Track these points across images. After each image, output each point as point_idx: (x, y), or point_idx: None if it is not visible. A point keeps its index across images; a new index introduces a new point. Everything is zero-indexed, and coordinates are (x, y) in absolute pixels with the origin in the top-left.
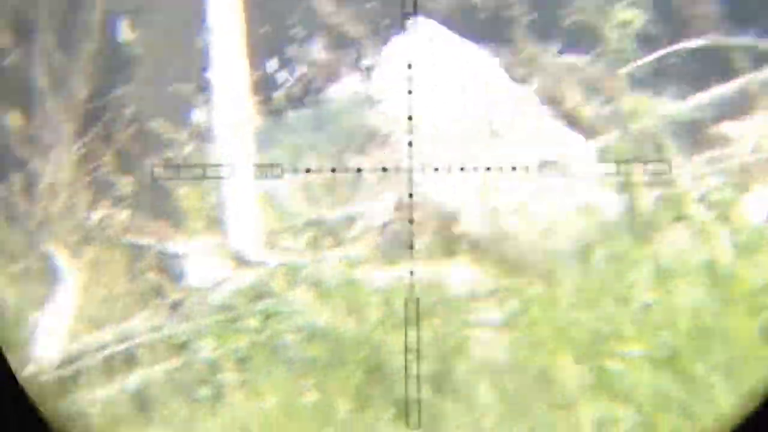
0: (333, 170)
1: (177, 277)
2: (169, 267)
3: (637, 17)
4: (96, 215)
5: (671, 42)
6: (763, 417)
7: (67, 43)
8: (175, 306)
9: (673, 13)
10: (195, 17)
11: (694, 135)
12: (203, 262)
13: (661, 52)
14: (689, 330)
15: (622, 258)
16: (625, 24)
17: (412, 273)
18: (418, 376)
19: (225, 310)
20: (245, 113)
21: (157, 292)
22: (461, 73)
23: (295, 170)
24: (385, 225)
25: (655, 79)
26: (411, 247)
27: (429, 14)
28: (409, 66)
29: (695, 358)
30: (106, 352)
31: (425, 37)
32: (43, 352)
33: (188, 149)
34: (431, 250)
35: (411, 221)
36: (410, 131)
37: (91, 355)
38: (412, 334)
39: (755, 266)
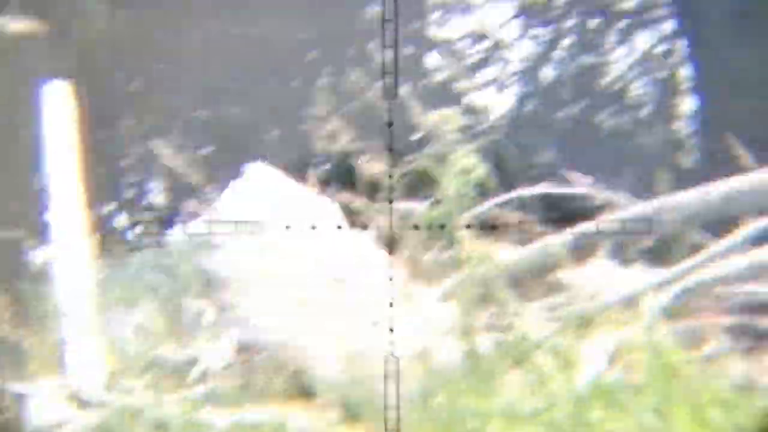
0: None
1: (21, 417)
2: (13, 407)
3: (479, 166)
4: None
5: (508, 190)
6: None
7: None
8: None
9: (509, 162)
10: (32, 161)
11: (533, 281)
12: (46, 403)
13: (499, 199)
14: None
15: (462, 404)
16: (467, 171)
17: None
18: None
19: None
20: (84, 255)
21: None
22: (299, 216)
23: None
24: (227, 367)
25: (492, 227)
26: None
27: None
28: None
29: None
30: None
31: (263, 183)
32: None
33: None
34: (273, 391)
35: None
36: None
37: None
38: None
39: (594, 415)
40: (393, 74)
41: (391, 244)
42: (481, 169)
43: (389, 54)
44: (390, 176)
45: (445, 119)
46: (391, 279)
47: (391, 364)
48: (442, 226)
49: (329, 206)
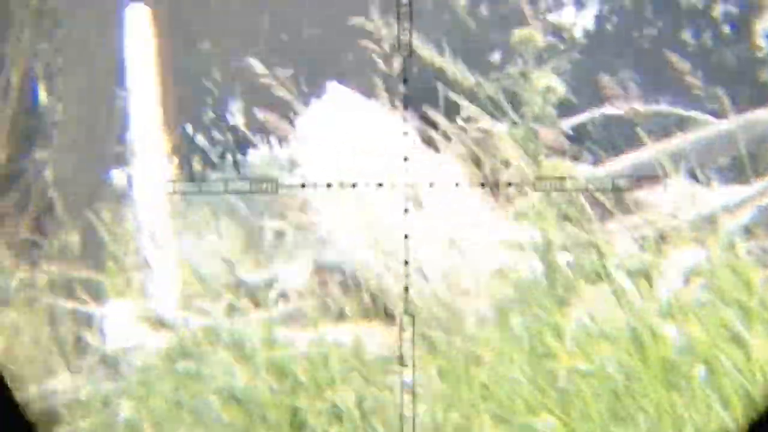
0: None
1: (97, 338)
2: (89, 329)
3: (559, 86)
4: (15, 277)
5: (588, 109)
6: None
7: None
8: (95, 366)
9: (590, 81)
10: (113, 81)
11: (610, 200)
12: (123, 324)
13: (580, 118)
14: (610, 394)
15: (540, 321)
16: (548, 90)
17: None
18: None
19: (145, 371)
20: (164, 176)
21: (78, 352)
22: (379, 137)
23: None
24: (305, 288)
25: (573, 145)
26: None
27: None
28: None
29: (617, 423)
30: (28, 411)
31: (342, 102)
32: None
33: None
34: (351, 312)
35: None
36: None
37: None
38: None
39: (674, 331)
40: None
41: (472, 162)
42: (562, 88)
43: None
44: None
45: (526, 38)
46: (470, 199)
47: (470, 280)
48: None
49: (407, 127)
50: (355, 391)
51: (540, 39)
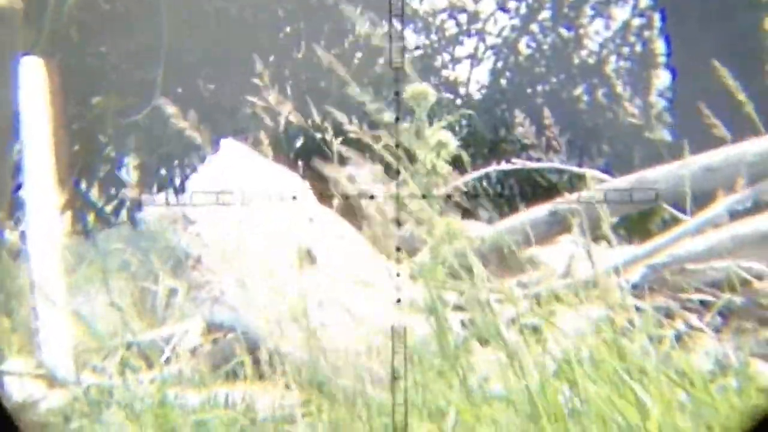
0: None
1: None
2: None
3: (451, 141)
4: None
5: (482, 165)
6: None
7: None
8: None
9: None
10: (8, 135)
11: (504, 258)
12: (18, 381)
13: (473, 174)
14: None
15: (431, 381)
16: (441, 146)
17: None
18: None
19: (41, 428)
20: (56, 232)
21: None
22: (272, 193)
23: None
24: (195, 348)
25: (467, 202)
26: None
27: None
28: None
29: None
30: None
31: (237, 158)
32: None
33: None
34: (244, 372)
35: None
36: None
37: None
38: None
39: (565, 391)
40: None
41: (361, 218)
42: (454, 144)
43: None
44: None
45: (420, 94)
46: (362, 255)
47: (362, 340)
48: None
49: (299, 182)
50: None
51: (432, 94)
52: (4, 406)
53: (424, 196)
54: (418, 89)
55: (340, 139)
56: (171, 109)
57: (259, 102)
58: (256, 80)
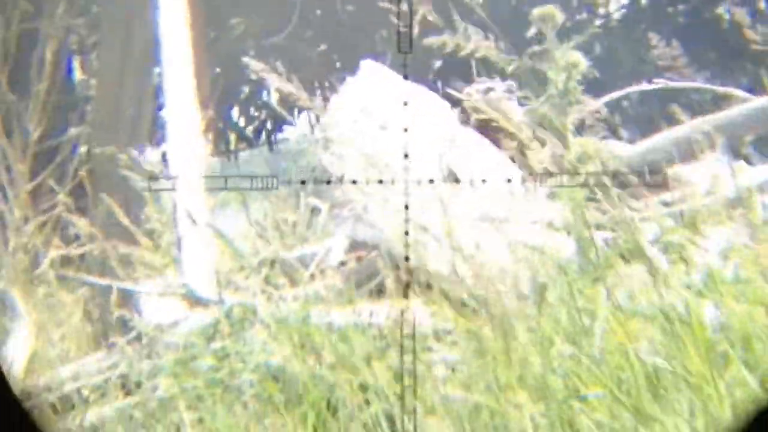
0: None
1: (132, 316)
2: (124, 306)
3: (582, 61)
4: (49, 255)
5: (620, 86)
6: None
7: (19, 82)
8: (130, 345)
9: (622, 56)
10: (147, 57)
11: (646, 177)
12: (159, 302)
13: (612, 95)
14: (647, 373)
15: (576, 300)
16: (571, 66)
17: (371, 313)
18: (375, 414)
19: (181, 349)
20: (199, 153)
21: (112, 331)
22: (413, 113)
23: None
24: (340, 265)
25: (605, 123)
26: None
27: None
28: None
29: (654, 401)
30: (62, 391)
31: (377, 80)
32: None
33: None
34: (389, 290)
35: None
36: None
37: (46, 394)
38: (369, 374)
39: (712, 309)
40: None
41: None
42: (584, 64)
43: None
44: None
45: (547, 14)
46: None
47: (510, 257)
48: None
49: (439, 102)
50: (393, 368)
51: (559, 15)
52: (11, 390)
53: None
54: (545, 10)
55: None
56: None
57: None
58: None
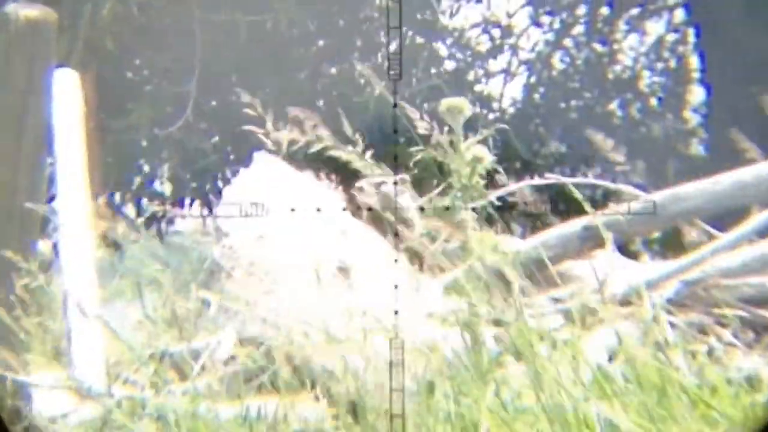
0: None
1: (24, 407)
2: (18, 396)
3: (487, 156)
4: None
5: (516, 180)
6: None
7: None
8: None
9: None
10: (41, 147)
11: (537, 273)
12: (49, 393)
13: (507, 189)
14: None
15: (465, 396)
16: (476, 161)
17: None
18: None
19: None
20: (89, 244)
21: (5, 422)
22: (305, 205)
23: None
24: (228, 361)
25: (500, 216)
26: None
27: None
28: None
29: None
30: None
31: (269, 172)
32: None
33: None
34: (276, 384)
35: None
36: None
37: None
38: None
39: (597, 407)
40: (398, 56)
41: (396, 231)
42: (489, 159)
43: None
44: (396, 160)
45: (455, 107)
46: (396, 261)
47: (397, 349)
48: (447, 209)
49: (332, 193)
50: None
51: (468, 108)
52: None
53: (447, 209)
54: (454, 102)
55: (370, 152)
56: (246, 97)
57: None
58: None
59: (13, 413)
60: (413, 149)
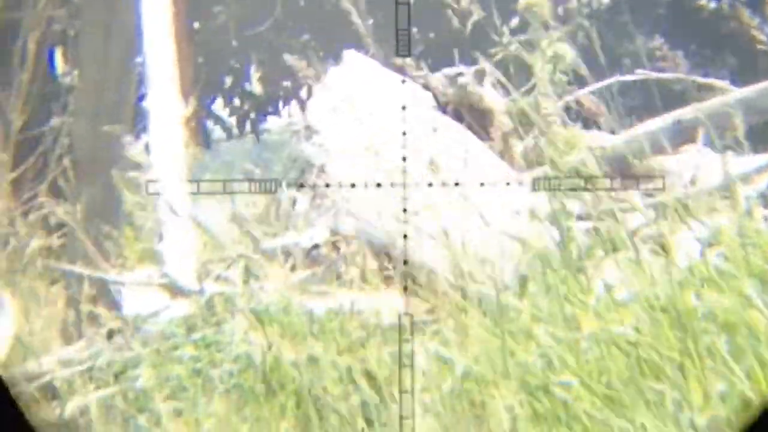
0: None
1: (114, 305)
2: (105, 296)
3: (568, 52)
4: (32, 244)
5: (603, 76)
6: None
7: (1, 73)
8: (111, 334)
9: (604, 47)
10: (130, 47)
11: (628, 168)
12: (140, 291)
13: (595, 85)
14: (627, 363)
15: (557, 289)
16: (556, 58)
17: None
18: (362, 404)
19: (162, 339)
20: (181, 143)
21: (94, 320)
22: (396, 102)
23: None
24: (318, 253)
25: (589, 113)
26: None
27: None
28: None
29: (634, 390)
30: (43, 380)
31: (360, 70)
32: None
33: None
34: (366, 279)
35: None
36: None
37: (27, 383)
38: (355, 362)
39: (692, 300)
40: None
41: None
42: (571, 54)
43: None
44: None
45: (533, 4)
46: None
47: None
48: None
49: (421, 92)
50: (375, 357)
51: (546, 5)
52: (17, 406)
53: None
54: (533, 0)
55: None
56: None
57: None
58: None
59: (98, 313)
60: (493, 50)
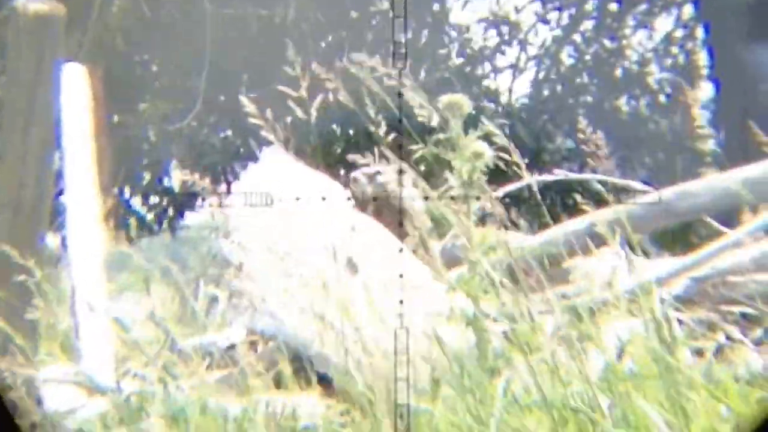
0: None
1: (34, 402)
2: (26, 392)
3: (487, 151)
4: None
5: (521, 176)
6: None
7: None
8: (34, 428)
9: (523, 147)
10: (48, 141)
11: (544, 270)
12: (58, 388)
13: (513, 185)
14: None
15: (473, 392)
16: (476, 156)
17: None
18: None
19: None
20: (98, 238)
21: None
22: (314, 201)
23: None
24: (235, 353)
25: (506, 212)
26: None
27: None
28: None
29: None
30: None
31: (279, 167)
32: None
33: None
34: (282, 380)
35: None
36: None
37: None
38: None
39: (608, 404)
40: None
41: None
42: (489, 155)
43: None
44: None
45: (455, 103)
46: (401, 251)
47: (402, 338)
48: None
49: (339, 189)
50: None
51: (467, 105)
52: (6, 407)
53: (452, 198)
54: (454, 99)
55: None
56: (250, 107)
57: (291, 92)
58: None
59: (22, 408)
60: (414, 147)
